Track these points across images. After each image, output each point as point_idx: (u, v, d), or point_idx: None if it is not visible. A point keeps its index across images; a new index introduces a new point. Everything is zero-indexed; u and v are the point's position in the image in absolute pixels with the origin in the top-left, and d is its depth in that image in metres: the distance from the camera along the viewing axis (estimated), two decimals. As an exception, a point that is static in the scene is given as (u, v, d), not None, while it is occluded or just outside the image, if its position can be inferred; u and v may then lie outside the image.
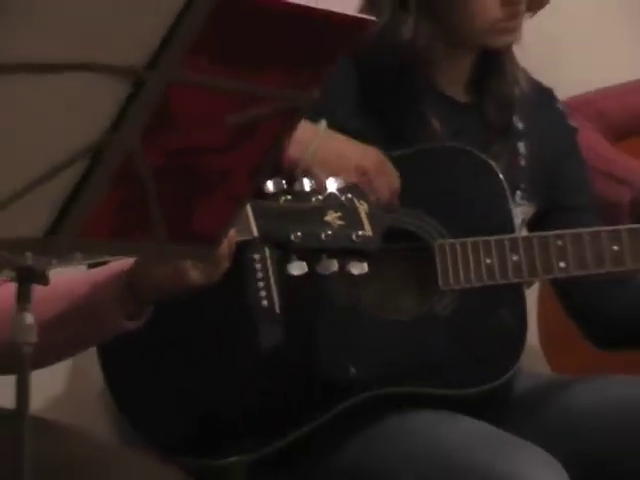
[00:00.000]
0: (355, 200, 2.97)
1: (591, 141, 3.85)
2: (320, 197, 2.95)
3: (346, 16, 2.64)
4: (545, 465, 3.31)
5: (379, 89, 3.59)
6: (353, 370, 3.41)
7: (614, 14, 4.68)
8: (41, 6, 2.31)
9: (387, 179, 3.28)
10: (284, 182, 2.92)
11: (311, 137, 3.17)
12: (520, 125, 3.71)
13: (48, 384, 3.38)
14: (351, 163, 3.20)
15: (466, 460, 3.34)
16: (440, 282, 3.43)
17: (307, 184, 2.93)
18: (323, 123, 3.19)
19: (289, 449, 3.46)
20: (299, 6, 2.50)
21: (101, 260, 3.08)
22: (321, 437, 3.46)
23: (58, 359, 3.30)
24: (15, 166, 2.42)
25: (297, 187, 2.94)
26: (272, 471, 3.54)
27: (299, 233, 2.92)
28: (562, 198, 3.72)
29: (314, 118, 3.13)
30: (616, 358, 3.89)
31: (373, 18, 3.14)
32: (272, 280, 3.11)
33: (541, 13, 3.71)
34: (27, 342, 2.52)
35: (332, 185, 2.94)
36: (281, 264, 3.04)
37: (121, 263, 3.04)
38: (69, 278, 3.10)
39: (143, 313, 3.02)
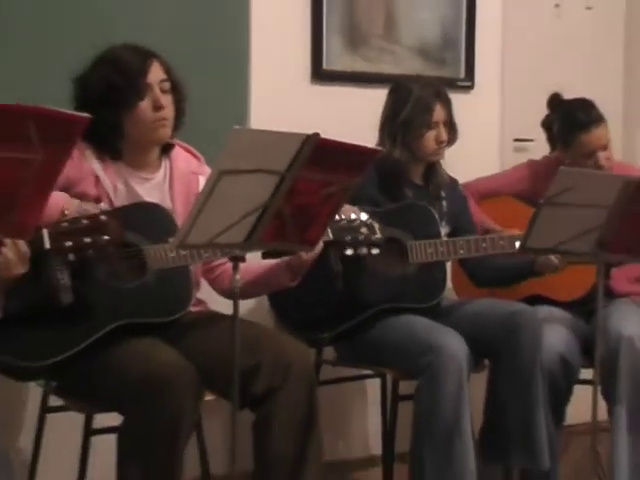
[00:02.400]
0: (373, 222, 3.06)
1: (472, 206, 3.86)
2: (358, 221, 3.04)
3: (369, 148, 2.85)
4: (456, 339, 3.33)
5: (384, 178, 3.59)
6: (373, 295, 3.45)
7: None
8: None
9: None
10: (343, 216, 3.00)
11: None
12: (443, 194, 3.72)
13: (245, 304, 3.46)
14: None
15: (420, 334, 3.37)
16: (410, 259, 3.44)
17: (353, 216, 3.02)
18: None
19: (348, 330, 3.48)
20: (351, 144, 2.67)
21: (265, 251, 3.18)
22: (362, 325, 3.47)
23: (253, 297, 3.49)
24: (232, 213, 2.57)
25: (348, 217, 3.04)
26: (340, 340, 3.56)
27: (349, 237, 3.02)
28: (461, 225, 3.73)
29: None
30: (484, 291, 3.87)
31: (381, 149, 3.30)
32: (338, 257, 3.13)
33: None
34: (236, 287, 2.69)
35: (364, 216, 3.04)
36: (342, 250, 3.05)
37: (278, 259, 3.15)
38: (259, 260, 3.20)
39: (297, 279, 3.13)
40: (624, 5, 5.11)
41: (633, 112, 5.10)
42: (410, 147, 3.62)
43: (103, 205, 2.89)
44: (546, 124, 3.92)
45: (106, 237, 2.61)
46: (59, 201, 2.77)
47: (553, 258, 3.51)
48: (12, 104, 2.16)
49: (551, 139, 3.92)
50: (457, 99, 3.78)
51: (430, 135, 3.61)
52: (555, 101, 3.88)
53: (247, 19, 4.06)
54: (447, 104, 3.66)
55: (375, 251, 3.08)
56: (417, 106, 3.60)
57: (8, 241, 2.48)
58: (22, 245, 2.51)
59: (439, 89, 3.70)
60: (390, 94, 3.73)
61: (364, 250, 3.06)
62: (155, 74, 3.04)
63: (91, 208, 2.77)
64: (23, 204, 2.29)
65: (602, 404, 3.41)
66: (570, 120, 3.79)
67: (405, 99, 3.63)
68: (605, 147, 3.78)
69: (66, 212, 2.75)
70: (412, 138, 3.61)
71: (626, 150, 4.96)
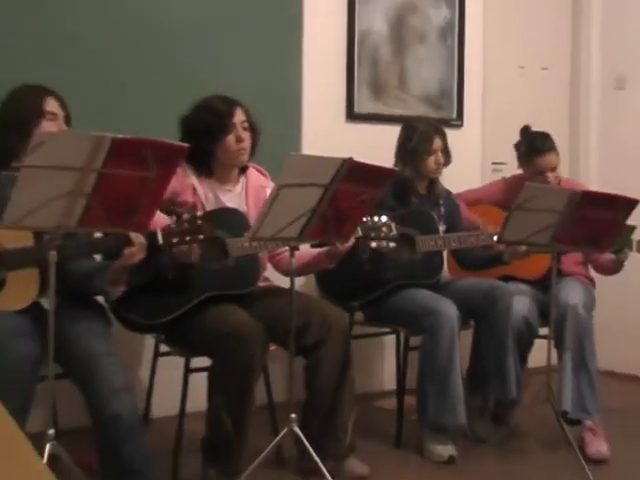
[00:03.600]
0: (391, 222, 2.96)
1: (463, 209, 3.79)
2: (380, 222, 2.94)
3: (388, 168, 2.80)
4: (450, 306, 3.30)
5: (399, 191, 3.53)
6: (391, 275, 3.41)
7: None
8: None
9: None
10: (369, 218, 2.91)
11: None
12: (441, 202, 3.64)
13: (299, 281, 3.34)
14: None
15: (424, 302, 3.35)
16: (417, 249, 3.39)
17: (376, 218, 2.93)
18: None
19: (373, 300, 3.45)
20: (375, 166, 2.64)
21: (313, 243, 3.15)
22: (383, 296, 3.43)
23: (304, 275, 3.39)
24: (289, 215, 2.54)
25: (373, 219, 2.94)
26: (367, 307, 3.52)
27: (373, 234, 2.94)
28: (454, 224, 3.65)
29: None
30: (468, 273, 3.79)
31: (397, 169, 3.26)
32: (365, 248, 3.01)
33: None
34: (292, 268, 2.68)
35: (384, 218, 2.94)
36: (368, 243, 2.96)
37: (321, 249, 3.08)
38: (309, 249, 3.15)
39: (334, 262, 3.04)
40: (569, 67, 5.10)
41: (576, 143, 5.05)
42: (416, 168, 3.58)
43: (199, 212, 2.89)
44: (516, 147, 3.85)
45: (201, 236, 2.63)
46: (162, 222, 2.72)
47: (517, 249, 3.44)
48: (136, 137, 2.20)
49: (519, 159, 3.85)
50: (451, 134, 3.74)
51: (431, 159, 3.57)
52: (525, 130, 3.82)
53: (300, 75, 4.07)
54: (443, 137, 3.61)
55: (392, 244, 3.02)
56: (421, 139, 3.56)
57: (134, 238, 2.53)
58: (143, 240, 2.56)
59: (437, 126, 3.66)
60: (402, 130, 3.68)
61: (384, 243, 3.00)
62: (238, 116, 3.04)
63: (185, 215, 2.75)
64: (142, 208, 2.31)
65: (554, 353, 3.38)
66: (530, 146, 3.73)
67: (412, 134, 3.59)
68: (554, 169, 3.71)
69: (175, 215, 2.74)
70: (418, 162, 3.57)
71: (571, 170, 4.91)
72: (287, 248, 2.91)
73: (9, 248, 2.53)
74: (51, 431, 2.29)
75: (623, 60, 4.89)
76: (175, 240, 2.61)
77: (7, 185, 2.14)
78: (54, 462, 2.23)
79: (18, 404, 2.29)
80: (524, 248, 3.38)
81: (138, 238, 2.54)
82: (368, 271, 3.28)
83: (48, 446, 2.27)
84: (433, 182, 3.68)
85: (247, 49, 3.89)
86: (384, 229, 2.98)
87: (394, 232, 3.00)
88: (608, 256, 3.53)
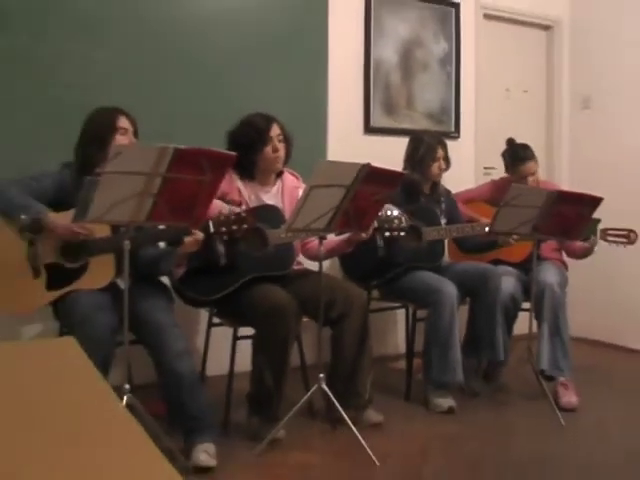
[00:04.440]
0: (402, 215, 2.94)
1: (460, 207, 3.71)
2: (393, 215, 2.93)
3: (399, 172, 2.74)
4: (450, 285, 3.24)
5: (408, 191, 3.44)
6: (401, 259, 3.34)
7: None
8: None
9: None
10: (383, 212, 2.88)
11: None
12: (442, 199, 3.58)
13: (325, 264, 3.35)
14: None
15: (429, 282, 3.29)
16: (423, 238, 3.31)
17: (388, 211, 2.91)
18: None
19: (387, 280, 3.40)
20: (388, 170, 2.61)
21: (338, 232, 3.03)
22: (395, 277, 3.37)
23: (329, 258, 3.33)
24: (316, 211, 2.48)
25: (386, 212, 2.94)
26: (382, 286, 3.48)
27: (387, 225, 2.92)
28: (453, 218, 3.57)
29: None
30: (466, 257, 3.74)
31: (406, 172, 3.20)
32: (382, 238, 2.98)
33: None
34: (321, 252, 2.63)
35: (396, 212, 2.93)
36: (383, 232, 2.95)
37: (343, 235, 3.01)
38: (333, 237, 3.05)
39: (352, 247, 2.98)
40: (545, 90, 5.04)
41: (551, 152, 4.99)
42: (423, 172, 3.51)
43: (243, 207, 2.88)
44: (503, 155, 3.80)
45: (245, 226, 2.62)
46: (218, 206, 2.76)
47: (509, 237, 3.38)
48: (193, 147, 2.19)
49: (506, 165, 3.80)
50: (450, 144, 3.68)
51: (435, 165, 3.51)
52: (509, 142, 3.78)
53: (326, 96, 4.03)
54: (444, 147, 3.55)
55: (402, 233, 2.98)
56: (426, 149, 3.50)
57: (190, 237, 2.55)
58: (200, 236, 2.57)
59: (440, 138, 3.60)
60: (410, 142, 3.62)
61: (396, 233, 2.96)
62: (275, 131, 3.01)
63: (235, 209, 2.78)
64: (198, 205, 2.31)
65: (534, 323, 3.36)
66: (515, 155, 3.69)
67: (419, 145, 3.53)
68: (534, 174, 3.68)
69: (222, 212, 2.75)
70: (424, 167, 3.50)
71: (548, 173, 4.86)
72: (316, 237, 2.86)
73: (91, 238, 2.54)
74: (127, 385, 2.33)
75: (588, 85, 4.86)
76: (224, 229, 2.60)
77: (90, 188, 2.15)
78: (130, 410, 2.22)
79: (101, 363, 2.30)
80: (515, 237, 3.34)
81: (197, 234, 2.56)
82: (382, 256, 3.23)
83: (125, 398, 2.31)
84: (436, 184, 3.61)
85: (283, 75, 3.86)
86: (396, 221, 2.95)
87: (404, 224, 2.97)
88: (579, 244, 3.49)
